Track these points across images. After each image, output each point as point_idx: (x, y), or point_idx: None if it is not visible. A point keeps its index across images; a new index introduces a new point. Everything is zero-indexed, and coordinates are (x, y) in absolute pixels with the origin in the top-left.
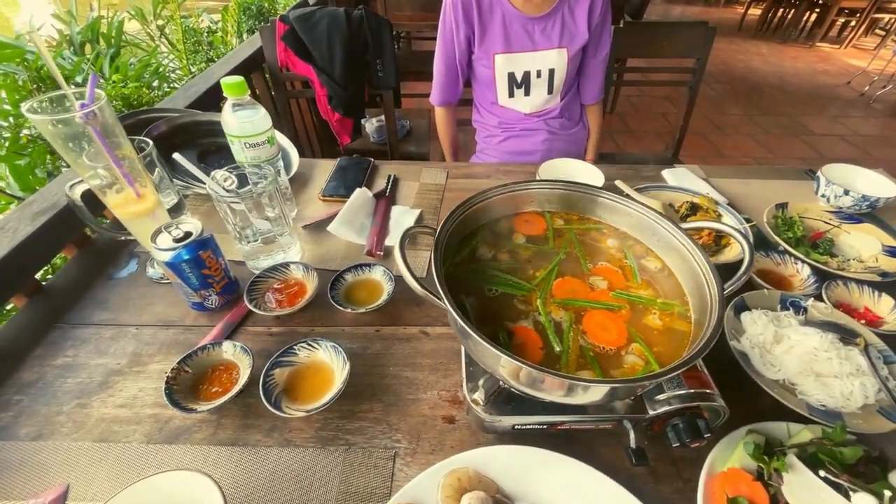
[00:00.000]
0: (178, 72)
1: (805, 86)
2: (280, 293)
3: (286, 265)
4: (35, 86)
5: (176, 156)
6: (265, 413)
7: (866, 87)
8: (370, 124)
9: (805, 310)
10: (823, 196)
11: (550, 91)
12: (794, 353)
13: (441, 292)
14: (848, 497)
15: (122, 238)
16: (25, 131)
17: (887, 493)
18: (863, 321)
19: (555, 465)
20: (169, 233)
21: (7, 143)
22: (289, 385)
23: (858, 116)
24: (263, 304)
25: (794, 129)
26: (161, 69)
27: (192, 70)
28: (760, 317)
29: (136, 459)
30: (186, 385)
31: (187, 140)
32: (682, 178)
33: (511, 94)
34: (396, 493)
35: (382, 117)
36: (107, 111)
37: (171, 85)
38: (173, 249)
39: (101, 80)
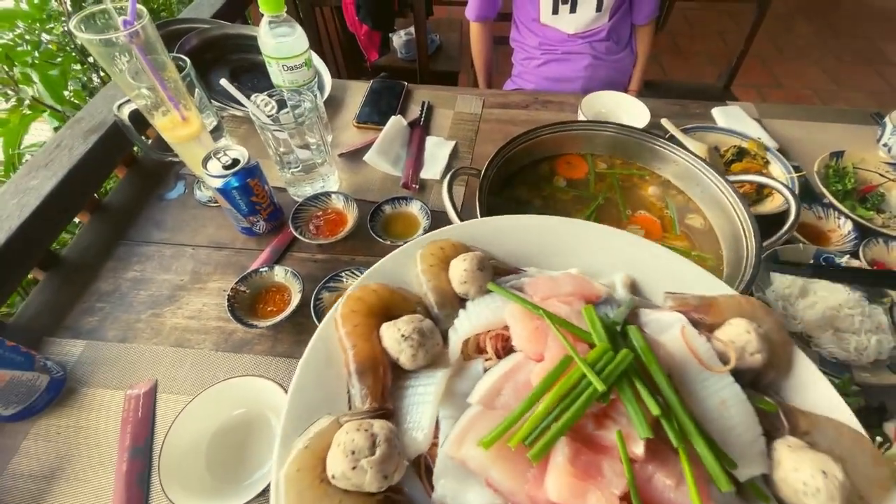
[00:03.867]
0: None
1: None
2: (321, 222)
3: (327, 195)
4: None
5: (223, 82)
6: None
7: None
8: (398, 37)
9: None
10: (885, 145)
11: (599, 8)
12: (817, 309)
13: None
14: None
15: (169, 160)
16: (48, 37)
17: (878, 439)
18: None
19: (571, 229)
20: (218, 159)
21: (38, 52)
22: None
23: None
24: (307, 231)
25: (868, 56)
26: None
27: None
28: None
29: (209, 363)
30: (245, 303)
31: (218, 56)
32: (733, 119)
33: (555, 11)
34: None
35: (412, 29)
36: (149, 30)
37: None
38: (224, 177)
39: None
